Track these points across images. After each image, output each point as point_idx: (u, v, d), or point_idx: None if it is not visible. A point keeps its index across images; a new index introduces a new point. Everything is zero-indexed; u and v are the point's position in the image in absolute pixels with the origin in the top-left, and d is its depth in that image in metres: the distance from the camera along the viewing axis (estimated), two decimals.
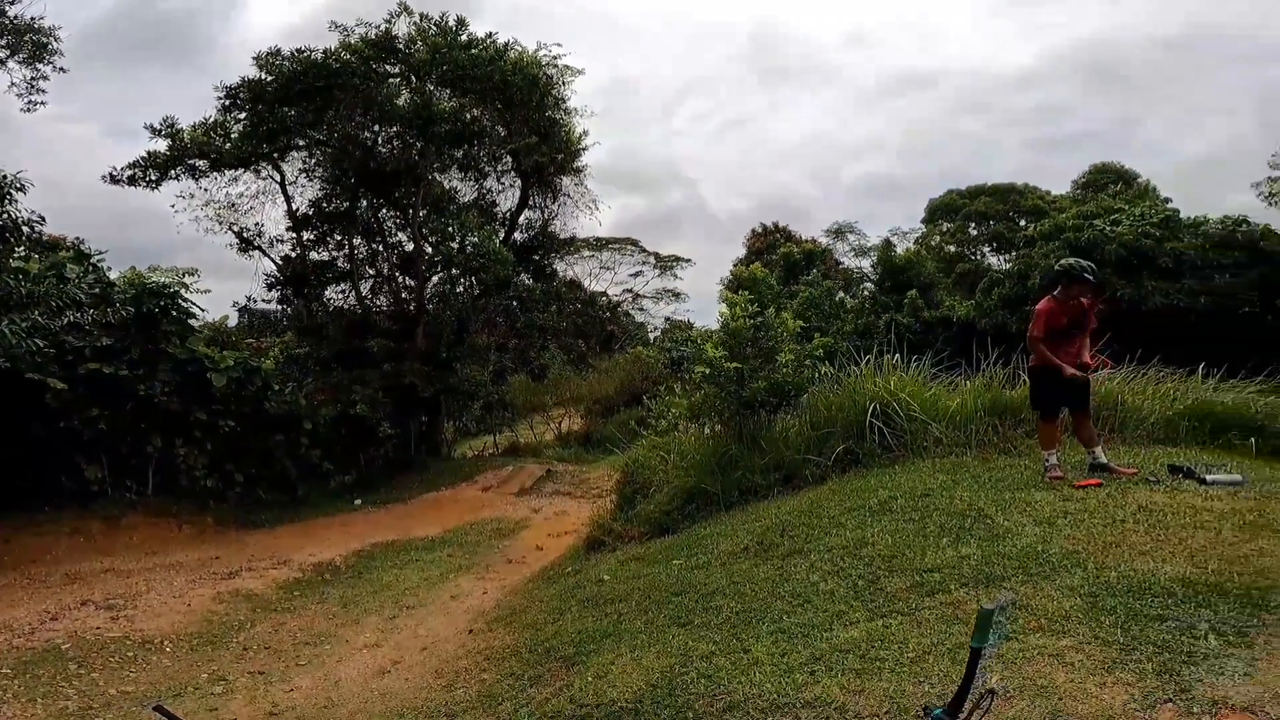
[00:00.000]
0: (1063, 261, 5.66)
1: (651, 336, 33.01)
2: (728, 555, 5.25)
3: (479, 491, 14.17)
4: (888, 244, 31.10)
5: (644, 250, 34.32)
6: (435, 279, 18.40)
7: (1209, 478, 5.06)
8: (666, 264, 34.63)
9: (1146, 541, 3.91)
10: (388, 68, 16.49)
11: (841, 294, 29.41)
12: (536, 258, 20.06)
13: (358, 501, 13.41)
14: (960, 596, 3.49)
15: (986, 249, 35.56)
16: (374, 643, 6.07)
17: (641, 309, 34.94)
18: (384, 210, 18.45)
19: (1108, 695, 2.56)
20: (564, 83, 17.84)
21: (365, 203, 18.01)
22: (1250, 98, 52.90)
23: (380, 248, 18.63)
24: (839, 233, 40.28)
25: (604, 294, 33.59)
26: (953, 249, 35.28)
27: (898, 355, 7.28)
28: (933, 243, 35.57)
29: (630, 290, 34.71)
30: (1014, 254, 28.08)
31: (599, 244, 32.10)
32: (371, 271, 18.70)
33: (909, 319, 23.35)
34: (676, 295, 34.42)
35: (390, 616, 6.80)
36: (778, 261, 34.44)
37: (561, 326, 25.76)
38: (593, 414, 20.26)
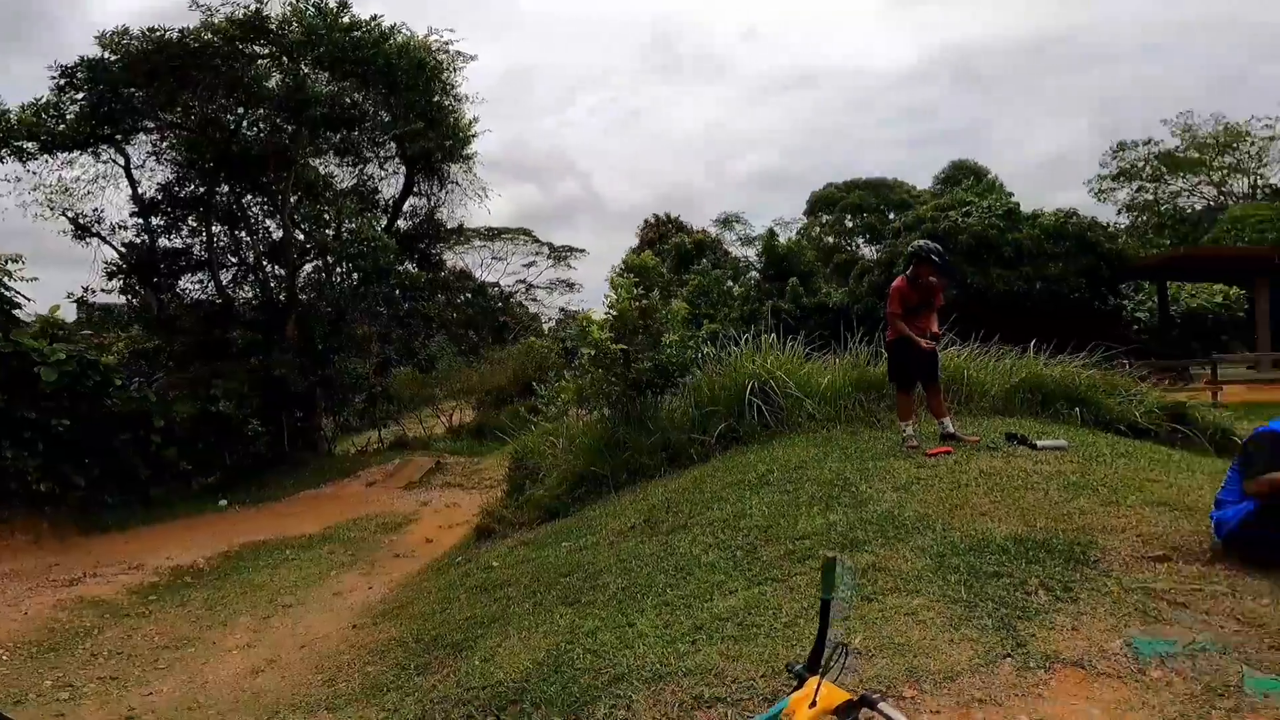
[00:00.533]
0: (912, 244, 6.20)
1: (546, 327, 32.85)
2: (615, 534, 5.39)
3: (362, 487, 13.63)
4: (771, 234, 32.39)
5: (537, 240, 34.02)
6: (309, 267, 17.49)
7: (1039, 444, 5.67)
8: (560, 254, 34.48)
9: (986, 503, 4.32)
10: (257, 48, 15.48)
11: (730, 282, 30.40)
12: (422, 246, 19.45)
13: (223, 502, 12.59)
14: (850, 564, 3.77)
15: (861, 240, 37.75)
16: (246, 643, 5.79)
17: (535, 299, 34.69)
18: (249, 196, 17.31)
19: (955, 652, 2.80)
20: (455, 69, 17.40)
21: (226, 188, 16.81)
22: (1089, 101, 58.90)
23: (244, 235, 17.42)
24: (726, 223, 41.60)
25: (496, 284, 33.04)
26: (831, 240, 37.20)
27: (773, 336, 7.67)
28: (813, 234, 37.37)
29: (523, 281, 34.35)
30: (883, 244, 30.02)
31: (491, 234, 31.49)
32: (234, 260, 17.48)
33: (790, 305, 24.53)
34: (571, 285, 34.42)
35: (264, 616, 6.49)
36: (669, 251, 35.13)
37: (451, 317, 25.04)
38: (485, 405, 19.88)
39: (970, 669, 2.69)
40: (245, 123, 15.99)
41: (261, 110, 15.60)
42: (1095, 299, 21.74)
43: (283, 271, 16.84)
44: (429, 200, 19.22)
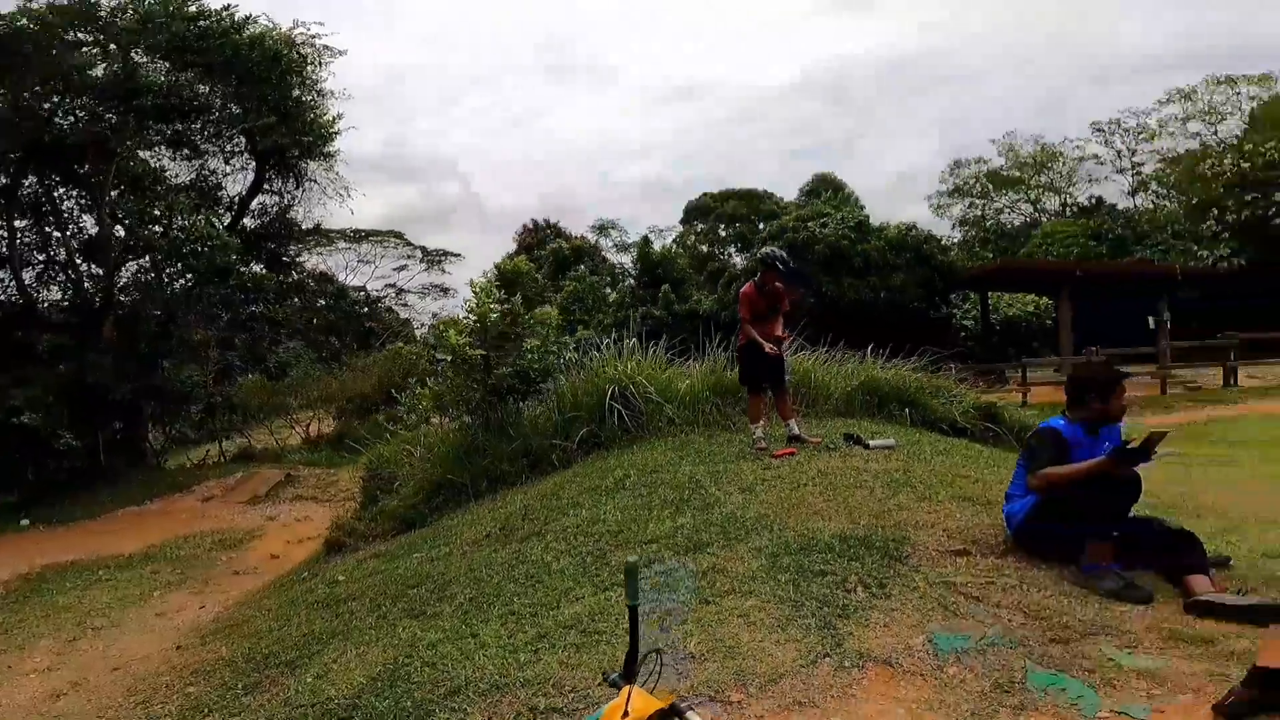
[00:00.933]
0: (759, 251, 6.54)
1: (419, 333, 31.64)
2: (469, 543, 5.29)
3: (197, 502, 12.51)
4: (646, 241, 32.97)
5: (409, 243, 32.70)
6: (133, 266, 15.91)
7: (871, 443, 6.09)
8: (434, 258, 33.32)
9: (820, 502, 4.56)
10: (81, 35, 14.01)
11: (609, 289, 30.67)
12: (272, 246, 18.21)
13: (25, 521, 11.24)
14: (674, 565, 3.88)
15: (733, 248, 39.16)
16: (47, 667, 5.25)
17: (406, 304, 33.36)
18: (63, 189, 15.54)
19: (780, 653, 2.88)
20: (321, 63, 16.58)
21: (34, 179, 14.99)
22: (938, 121, 64.27)
23: (54, 231, 15.58)
24: (603, 229, 41.83)
25: (362, 288, 31.45)
26: (705, 248, 38.33)
27: (635, 341, 7.82)
28: (688, 242, 38.30)
29: (393, 285, 32.93)
30: (749, 253, 31.32)
31: (357, 235, 29.93)
32: (41, 258, 15.61)
33: (662, 312, 25.14)
34: (445, 290, 33.29)
35: (70, 639, 5.88)
36: (547, 257, 34.99)
37: (311, 322, 23.50)
38: (348, 414, 18.75)
39: (792, 671, 2.77)
40: (61, 111, 14.45)
41: (83, 99, 14.16)
42: (930, 308, 23.82)
43: (100, 270, 15.20)
44: (282, 198, 18.09)
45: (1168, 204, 34.13)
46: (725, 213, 38.97)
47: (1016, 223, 41.35)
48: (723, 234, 39.46)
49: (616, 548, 4.29)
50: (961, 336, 24.88)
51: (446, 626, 3.71)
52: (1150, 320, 20.30)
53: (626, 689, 1.55)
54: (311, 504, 11.84)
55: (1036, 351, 22.72)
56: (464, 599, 4.09)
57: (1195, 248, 25.67)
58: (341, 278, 29.98)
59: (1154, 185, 36.71)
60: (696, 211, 39.84)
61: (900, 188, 61.26)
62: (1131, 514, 3.52)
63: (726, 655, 2.93)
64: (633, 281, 30.10)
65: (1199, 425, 11.22)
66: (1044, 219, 39.24)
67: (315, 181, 17.83)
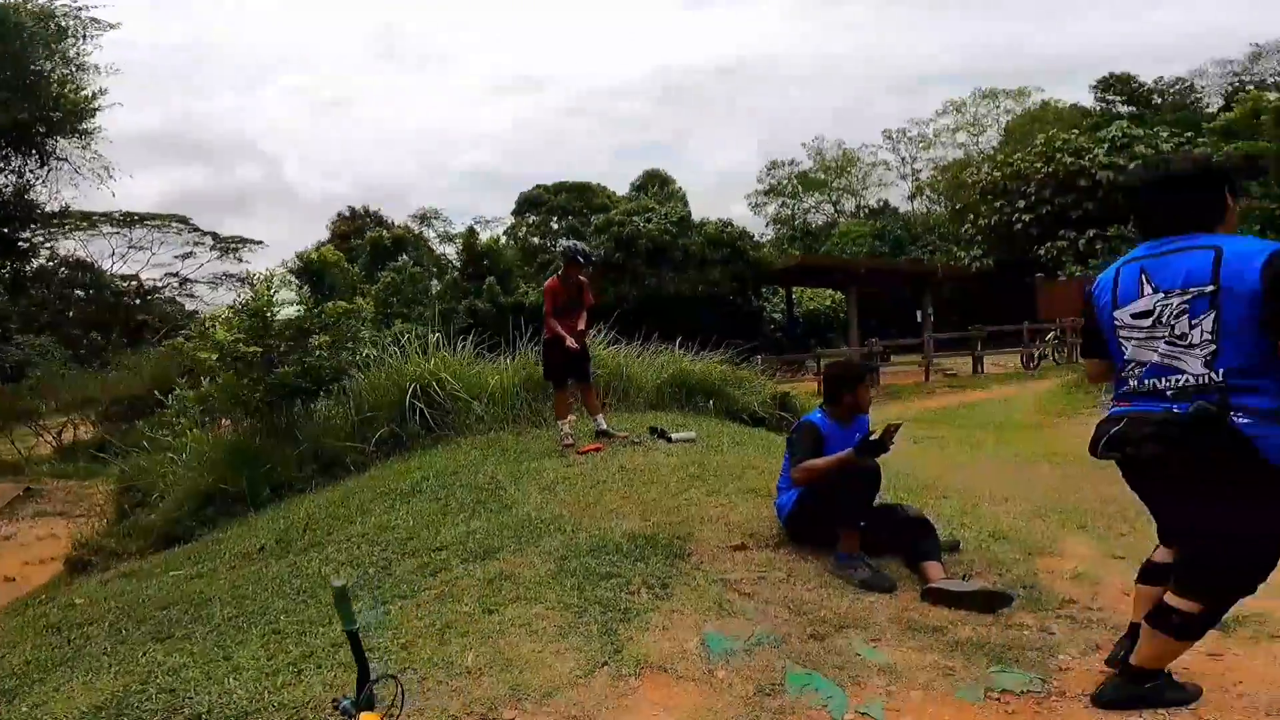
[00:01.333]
0: (561, 245, 6.50)
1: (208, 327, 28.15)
2: (238, 558, 4.77)
3: None
4: (471, 232, 31.98)
5: (196, 229, 29.07)
6: None
7: (674, 436, 6.21)
8: (229, 245, 29.93)
9: (617, 500, 4.55)
10: None
11: (436, 281, 29.38)
12: (4, 231, 15.53)
13: None
14: (459, 573, 3.69)
15: (564, 241, 38.74)
16: None
17: (193, 295, 29.71)
18: None
19: (560, 664, 2.77)
20: (87, 36, 14.40)
21: None
22: (761, 123, 68.27)
23: None
24: (425, 218, 39.84)
25: (134, 277, 27.60)
26: (536, 240, 37.78)
27: (439, 335, 7.48)
28: (520, 234, 37.64)
29: (176, 274, 29.19)
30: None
31: (128, 219, 26.08)
32: None
33: (487, 304, 24.44)
34: (243, 280, 30.00)
35: None
36: (364, 246, 32.89)
37: (64, 314, 20.36)
38: (114, 418, 16.23)
39: (570, 682, 2.70)
40: None
41: None
42: (744, 301, 25.30)
43: None
44: (20, 177, 15.58)
45: (938, 208, 38.84)
46: (558, 205, 38.83)
47: (820, 222, 45.10)
48: (555, 226, 39.31)
49: (404, 556, 4.05)
50: (771, 328, 26.72)
51: (196, 650, 3.29)
52: (918, 314, 23.08)
53: (366, 717, 1.50)
54: (59, 520, 10.21)
55: (832, 342, 24.96)
56: (222, 619, 3.66)
57: (955, 249, 29.48)
58: (108, 266, 26.19)
59: (928, 191, 41.59)
60: (529, 203, 39.33)
61: (725, 186, 64.92)
62: (878, 502, 3.88)
63: (504, 669, 2.81)
64: (457, 273, 29.12)
65: (953, 409, 12.83)
66: (842, 219, 43.12)
67: (66, 160, 15.58)
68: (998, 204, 25.77)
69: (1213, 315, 2.12)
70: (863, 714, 2.50)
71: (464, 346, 7.68)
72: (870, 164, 44.75)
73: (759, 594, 3.38)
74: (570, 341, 6.03)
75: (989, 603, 3.22)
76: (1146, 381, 2.29)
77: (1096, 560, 3.85)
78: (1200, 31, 56.46)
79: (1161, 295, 2.21)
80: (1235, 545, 2.22)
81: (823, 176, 45.37)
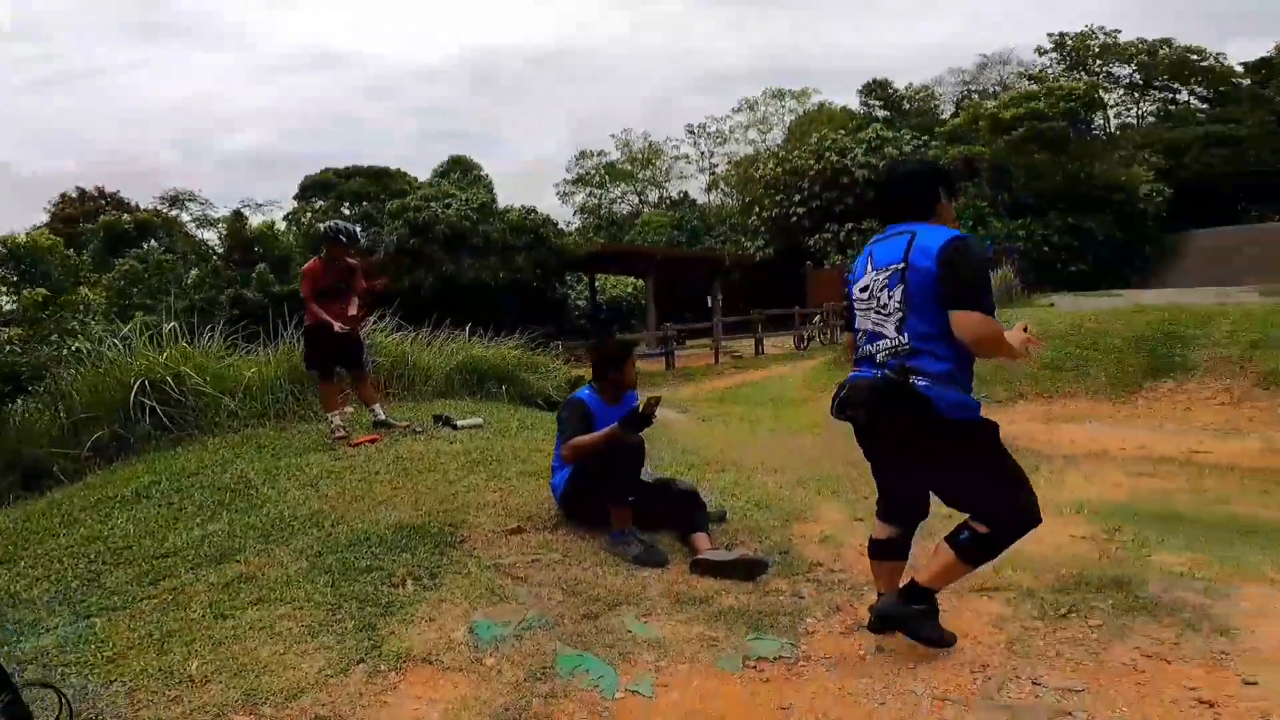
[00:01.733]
0: (322, 224, 6.02)
1: None
2: None
3: None
4: (239, 215, 28.64)
5: None
6: None
7: (459, 423, 6.00)
8: None
9: (389, 491, 4.30)
10: None
11: (195, 269, 25.92)
12: None
13: None
14: (187, 580, 3.26)
15: (358, 228, 36.19)
16: None
17: None
18: None
19: (306, 664, 2.59)
20: None
21: None
22: (575, 112, 68.04)
23: None
24: (176, 201, 34.89)
25: None
26: (324, 226, 34.95)
27: (174, 325, 6.55)
28: (304, 219, 34.54)
29: None
30: (369, 232, 29.68)
31: None
32: None
33: (257, 294, 22.19)
34: None
35: None
36: (96, 231, 28.31)
37: None
38: None
39: (318, 682, 2.50)
40: None
41: None
42: (548, 288, 25.24)
43: None
44: None
45: (731, 201, 41.46)
46: (350, 190, 36.58)
47: (625, 211, 46.31)
48: (346, 212, 37.26)
49: (118, 566, 3.48)
50: (575, 315, 26.95)
51: None
52: (709, 299, 24.58)
53: None
54: None
55: (634, 328, 25.72)
56: None
57: (743, 239, 31.72)
58: None
59: (722, 184, 44.24)
60: (317, 188, 36.82)
61: (537, 175, 64.20)
62: (654, 477, 3.96)
63: (235, 674, 2.53)
64: (219, 260, 26.12)
65: (737, 388, 13.78)
66: (645, 209, 44.62)
67: None
68: (778, 198, 27.98)
69: (902, 288, 2.43)
70: (633, 691, 2.52)
71: (211, 338, 6.80)
72: (673, 157, 46.62)
73: (533, 577, 3.32)
74: (339, 326, 5.54)
75: (749, 570, 3.37)
76: (865, 348, 2.58)
77: (842, 524, 4.18)
78: (947, 41, 64.49)
79: (875, 272, 2.53)
80: (960, 493, 2.52)
81: (629, 168, 46.52)
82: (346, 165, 37.49)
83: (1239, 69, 34.85)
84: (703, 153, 46.33)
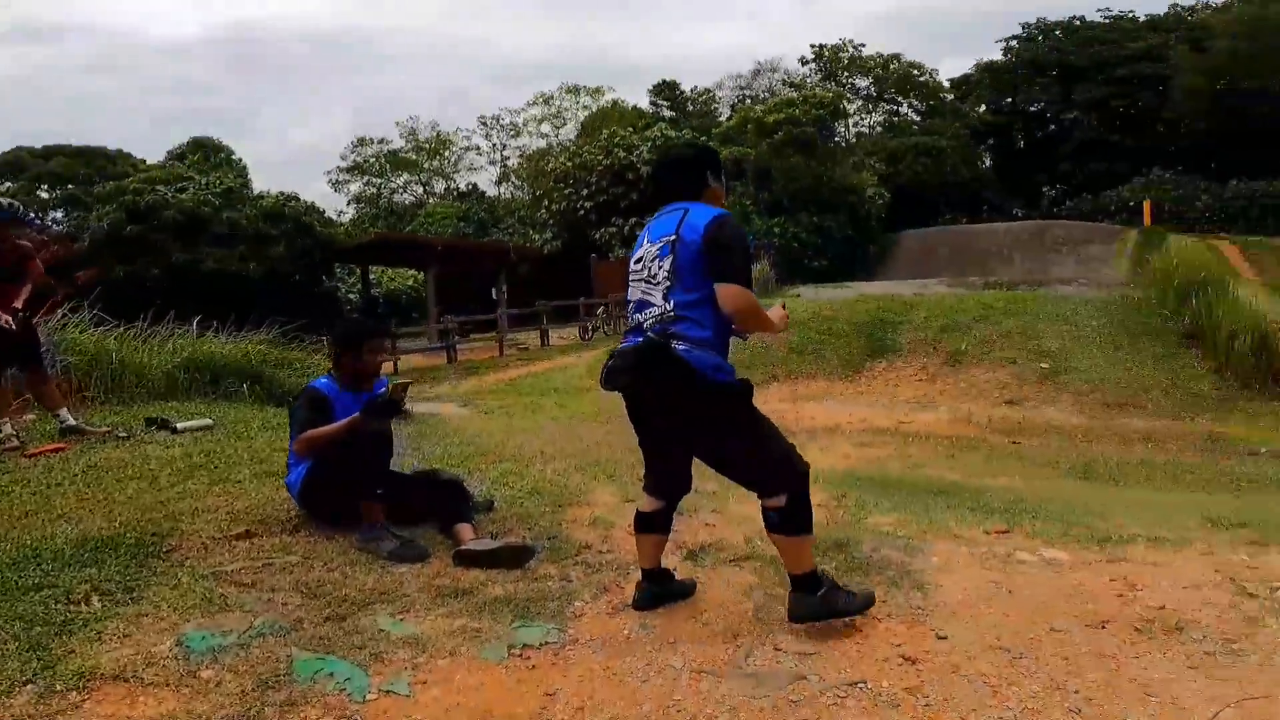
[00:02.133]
0: None
1: None
2: None
3: None
4: None
5: None
6: None
7: (180, 425, 5.25)
8: None
9: (74, 503, 3.63)
10: None
11: None
12: None
13: None
14: None
15: (60, 213, 31.34)
16: None
17: None
18: None
19: None
20: None
21: None
22: (354, 99, 62.40)
23: None
24: None
25: None
26: None
27: None
28: None
29: None
30: (75, 217, 25.82)
31: None
32: None
33: None
34: None
35: None
36: None
37: None
38: None
39: None
40: None
41: None
42: (313, 281, 23.08)
43: None
44: None
45: (521, 194, 40.94)
46: (51, 171, 32.13)
47: (408, 202, 43.84)
48: (45, 196, 32.39)
49: None
50: (347, 309, 24.93)
51: None
52: (494, 291, 24.07)
53: None
54: None
55: (415, 321, 24.42)
56: None
57: (532, 232, 31.53)
58: None
59: (513, 177, 43.55)
60: (7, 167, 32.05)
61: (306, 162, 58.43)
62: (416, 469, 3.63)
63: None
64: None
65: (522, 380, 13.58)
66: (431, 200, 42.57)
67: None
68: (568, 191, 28.13)
69: (671, 259, 2.52)
70: (387, 691, 2.33)
71: None
72: (464, 148, 44.91)
73: (263, 582, 2.95)
74: (3, 320, 4.53)
75: (515, 558, 3.21)
76: (635, 316, 2.64)
77: (613, 505, 4.11)
78: (732, 47, 68.76)
79: (649, 245, 2.62)
80: (724, 456, 2.58)
81: (414, 157, 44.03)
82: (46, 144, 32.41)
83: (946, 84, 41.41)
84: (495, 145, 45.24)
